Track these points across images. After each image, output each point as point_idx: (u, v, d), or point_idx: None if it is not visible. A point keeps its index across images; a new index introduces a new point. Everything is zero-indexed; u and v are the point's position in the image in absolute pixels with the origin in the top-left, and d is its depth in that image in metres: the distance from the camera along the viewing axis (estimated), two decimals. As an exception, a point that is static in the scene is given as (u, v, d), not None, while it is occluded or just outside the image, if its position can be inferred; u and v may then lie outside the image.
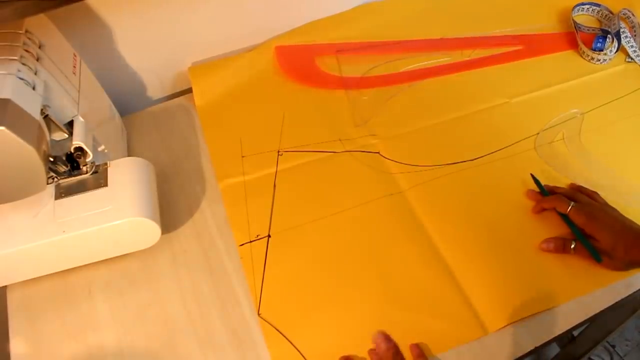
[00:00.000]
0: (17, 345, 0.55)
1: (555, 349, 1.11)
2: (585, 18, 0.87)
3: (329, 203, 0.64)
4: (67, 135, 0.55)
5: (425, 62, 0.80)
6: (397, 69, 0.79)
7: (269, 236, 0.62)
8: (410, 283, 0.57)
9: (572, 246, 0.58)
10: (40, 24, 0.56)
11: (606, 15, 0.85)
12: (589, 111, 0.73)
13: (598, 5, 0.86)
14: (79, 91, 0.58)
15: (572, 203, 0.59)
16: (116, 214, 0.54)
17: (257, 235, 0.62)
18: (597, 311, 0.55)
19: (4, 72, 0.46)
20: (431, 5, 0.88)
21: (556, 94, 0.76)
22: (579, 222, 0.58)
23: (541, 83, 0.77)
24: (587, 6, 0.87)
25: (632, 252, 0.55)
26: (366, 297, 0.56)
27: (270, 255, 0.60)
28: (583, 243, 0.57)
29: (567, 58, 0.81)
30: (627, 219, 0.57)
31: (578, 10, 0.86)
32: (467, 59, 0.81)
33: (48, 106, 0.51)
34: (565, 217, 0.60)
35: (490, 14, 0.87)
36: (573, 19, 0.84)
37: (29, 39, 0.53)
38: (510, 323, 0.54)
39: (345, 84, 0.78)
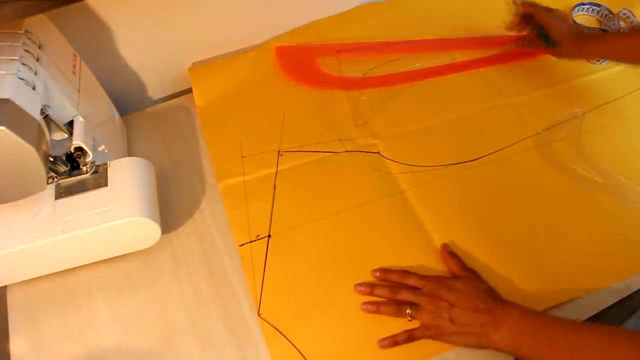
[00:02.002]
0: (16, 345, 0.55)
1: (555, 349, 1.11)
2: (585, 18, 0.87)
3: (330, 203, 0.64)
4: (67, 135, 0.55)
5: (426, 62, 0.80)
6: (397, 69, 0.79)
7: (269, 236, 0.62)
8: (410, 283, 0.57)
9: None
10: (40, 24, 0.56)
11: (606, 16, 0.85)
12: (589, 111, 0.73)
13: (598, 5, 0.86)
14: (79, 91, 0.58)
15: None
16: (116, 214, 0.54)
17: (257, 235, 0.62)
18: (597, 311, 0.55)
19: (4, 72, 0.46)
20: (431, 5, 0.88)
21: (556, 94, 0.75)
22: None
23: (541, 83, 0.77)
24: (587, 6, 0.86)
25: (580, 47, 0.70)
26: (366, 297, 0.56)
27: (271, 255, 0.60)
28: (539, 33, 0.73)
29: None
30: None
31: (578, 11, 0.86)
32: (467, 59, 0.81)
33: (48, 106, 0.51)
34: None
35: (491, 14, 0.87)
36: (573, 19, 0.84)
37: (29, 39, 0.53)
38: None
39: (346, 84, 0.78)
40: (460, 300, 0.51)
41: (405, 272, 0.56)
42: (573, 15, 0.85)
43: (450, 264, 0.57)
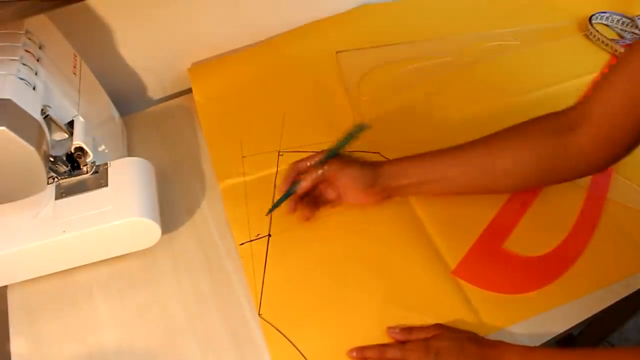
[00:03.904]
0: (17, 345, 0.55)
1: (555, 349, 1.11)
2: (603, 27, 0.84)
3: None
4: (67, 135, 0.55)
5: (427, 62, 0.80)
6: (398, 70, 0.79)
7: (269, 235, 0.62)
8: (411, 283, 0.57)
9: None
10: (41, 25, 0.56)
11: (625, 23, 0.83)
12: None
13: (617, 14, 0.83)
14: (79, 91, 0.58)
15: None
16: (116, 214, 0.54)
17: (257, 235, 0.62)
18: (597, 311, 0.55)
19: (5, 73, 0.47)
20: (431, 7, 0.88)
21: (557, 93, 0.75)
22: None
23: (542, 82, 0.76)
24: (607, 15, 0.83)
25: None
26: (367, 298, 0.56)
27: (271, 255, 0.60)
28: None
29: (574, 52, 0.80)
30: None
31: (597, 19, 0.84)
32: (468, 59, 0.81)
33: (48, 106, 0.51)
34: None
35: (489, 16, 0.87)
36: (591, 24, 0.82)
37: (30, 39, 0.53)
38: (511, 324, 0.54)
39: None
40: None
41: (383, 347, 0.52)
42: (592, 22, 0.82)
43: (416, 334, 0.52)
